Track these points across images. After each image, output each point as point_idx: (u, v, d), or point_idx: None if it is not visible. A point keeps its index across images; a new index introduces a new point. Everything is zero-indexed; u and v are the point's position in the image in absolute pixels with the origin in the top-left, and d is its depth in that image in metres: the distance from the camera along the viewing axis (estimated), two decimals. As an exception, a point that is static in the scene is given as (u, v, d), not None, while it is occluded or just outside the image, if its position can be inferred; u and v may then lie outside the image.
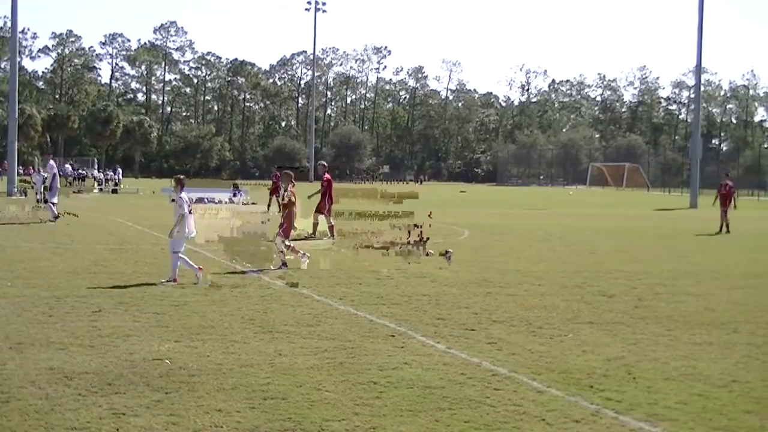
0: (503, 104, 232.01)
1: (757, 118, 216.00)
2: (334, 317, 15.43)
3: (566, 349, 13.34)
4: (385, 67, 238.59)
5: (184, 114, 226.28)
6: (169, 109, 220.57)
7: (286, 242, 22.73)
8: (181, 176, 21.02)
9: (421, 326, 14.80)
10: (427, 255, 26.05)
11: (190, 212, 19.96)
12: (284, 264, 22.49)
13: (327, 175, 33.46)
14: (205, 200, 59.30)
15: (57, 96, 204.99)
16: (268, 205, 48.41)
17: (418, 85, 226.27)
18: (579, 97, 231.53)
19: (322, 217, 32.29)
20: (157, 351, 12.41)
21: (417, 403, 10.16)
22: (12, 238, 29.56)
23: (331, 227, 32.07)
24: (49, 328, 13.94)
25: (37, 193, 56.25)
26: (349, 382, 11.04)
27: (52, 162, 40.70)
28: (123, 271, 20.53)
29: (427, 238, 28.28)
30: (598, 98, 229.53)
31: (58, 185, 39.74)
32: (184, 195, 19.86)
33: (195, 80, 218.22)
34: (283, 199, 24.04)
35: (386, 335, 13.97)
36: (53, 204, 37.60)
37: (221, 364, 11.68)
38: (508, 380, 11.25)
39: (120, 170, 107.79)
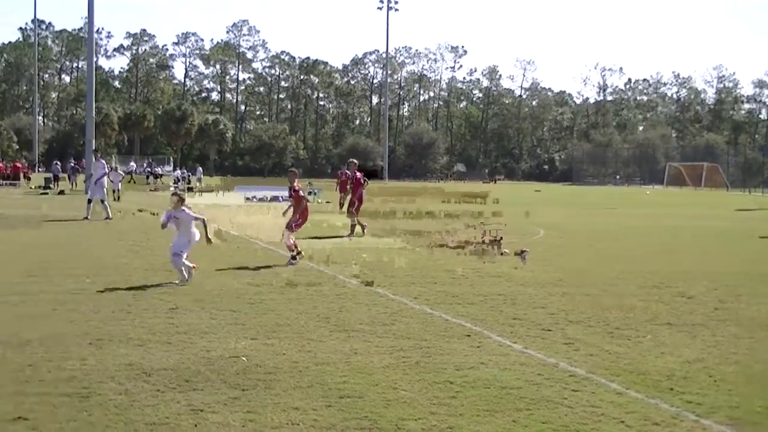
0: (577, 103, 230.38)
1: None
2: (410, 316, 15.40)
3: (645, 350, 13.17)
4: (461, 66, 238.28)
5: (257, 113, 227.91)
6: (243, 107, 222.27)
7: (292, 238, 23.06)
8: (182, 193, 21.62)
9: (497, 326, 14.71)
10: (502, 254, 25.91)
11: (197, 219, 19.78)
12: (293, 258, 22.84)
13: (357, 174, 33.64)
14: (280, 198, 59.52)
15: (132, 95, 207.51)
16: (341, 204, 46.52)
17: (491, 83, 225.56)
18: (655, 95, 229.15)
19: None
20: (234, 348, 12.47)
21: (494, 403, 10.10)
22: (90, 235, 29.95)
23: (353, 226, 32.17)
24: (127, 324, 14.08)
25: (114, 191, 57.14)
26: (425, 381, 11.00)
27: (102, 162, 40.46)
28: (199, 269, 20.65)
29: (501, 238, 28.16)
30: (675, 97, 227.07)
31: (105, 185, 39.55)
32: (186, 209, 19.35)
33: (268, 79, 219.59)
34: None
35: (462, 335, 13.90)
36: (101, 201, 37.51)
37: (297, 362, 11.70)
38: (586, 381, 11.14)
39: (201, 170, 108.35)
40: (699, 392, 10.74)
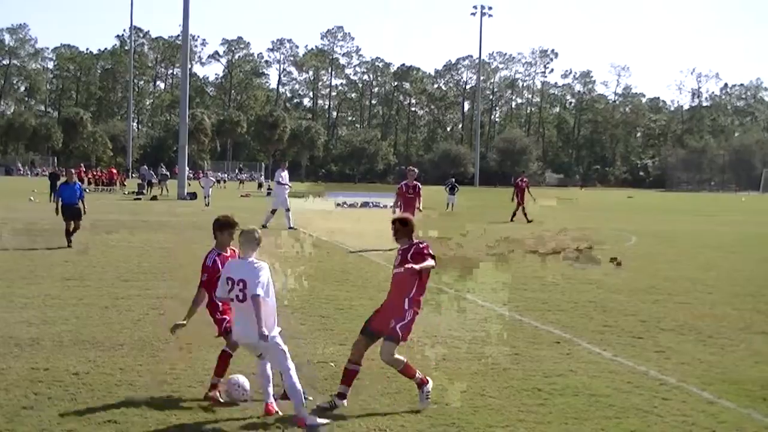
0: (671, 109, 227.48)
1: None
2: (499, 323, 15.33)
3: (738, 359, 12.96)
4: (552, 70, 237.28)
5: (349, 118, 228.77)
6: (335, 114, 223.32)
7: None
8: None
9: (587, 333, 14.59)
10: (594, 261, 25.68)
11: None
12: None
13: (417, 183, 30.41)
14: (370, 204, 59.79)
15: (226, 101, 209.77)
16: (513, 214, 45.91)
17: (584, 89, 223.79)
18: (753, 101, 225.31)
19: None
20: (322, 354, 12.52)
21: (583, 411, 10.02)
22: (181, 240, 30.30)
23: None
24: (214, 329, 14.19)
25: (206, 197, 57.83)
26: (513, 388, 10.96)
27: (285, 173, 39.53)
28: (289, 274, 20.76)
29: (590, 246, 27.93)
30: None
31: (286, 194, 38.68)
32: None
33: (360, 85, 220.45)
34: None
35: (551, 342, 13.81)
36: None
37: (385, 368, 11.69)
38: (677, 390, 11.00)
39: (286, 174, 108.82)
40: (794, 403, 10.55)
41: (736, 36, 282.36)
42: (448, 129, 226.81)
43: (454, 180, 64.76)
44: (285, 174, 37.79)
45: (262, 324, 9.20)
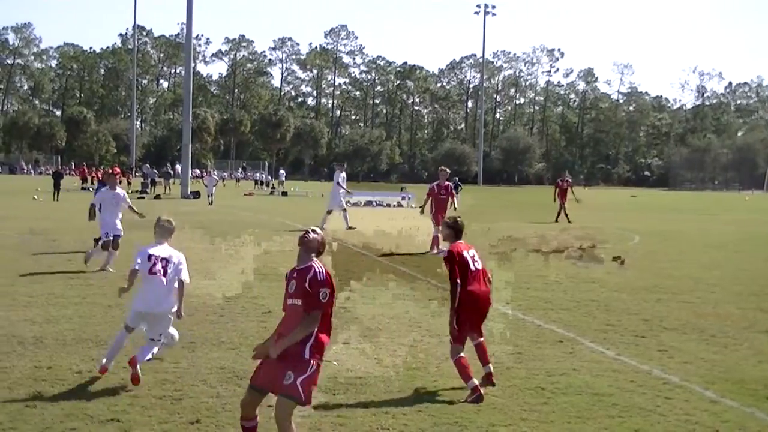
0: (675, 107, 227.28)
1: None
2: (502, 321, 15.33)
3: (741, 358, 12.97)
4: (557, 69, 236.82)
5: (353, 117, 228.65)
6: (338, 112, 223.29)
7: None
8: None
9: (590, 332, 14.60)
10: (597, 260, 25.68)
11: None
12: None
13: (449, 183, 29.56)
14: (374, 203, 59.83)
15: (230, 100, 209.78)
16: (558, 214, 45.37)
17: (588, 88, 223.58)
18: (757, 99, 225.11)
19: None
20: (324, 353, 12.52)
21: (585, 410, 10.04)
22: (185, 240, 30.23)
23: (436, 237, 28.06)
24: (220, 328, 14.24)
25: (209, 195, 57.89)
26: (516, 387, 10.97)
27: (343, 174, 39.23)
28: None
29: (594, 245, 27.90)
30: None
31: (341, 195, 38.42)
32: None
33: (364, 84, 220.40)
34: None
35: (554, 341, 13.82)
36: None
37: (388, 367, 11.73)
38: (680, 389, 11.01)
39: (283, 173, 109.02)
40: (797, 402, 10.55)
41: (739, 34, 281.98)
42: (452, 128, 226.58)
43: (457, 179, 64.87)
44: (343, 175, 37.46)
45: (182, 305, 11.22)
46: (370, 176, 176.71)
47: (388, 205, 59.24)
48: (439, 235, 27.43)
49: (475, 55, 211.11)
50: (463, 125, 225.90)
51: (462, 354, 10.85)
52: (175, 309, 11.13)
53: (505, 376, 11.48)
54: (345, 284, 19.52)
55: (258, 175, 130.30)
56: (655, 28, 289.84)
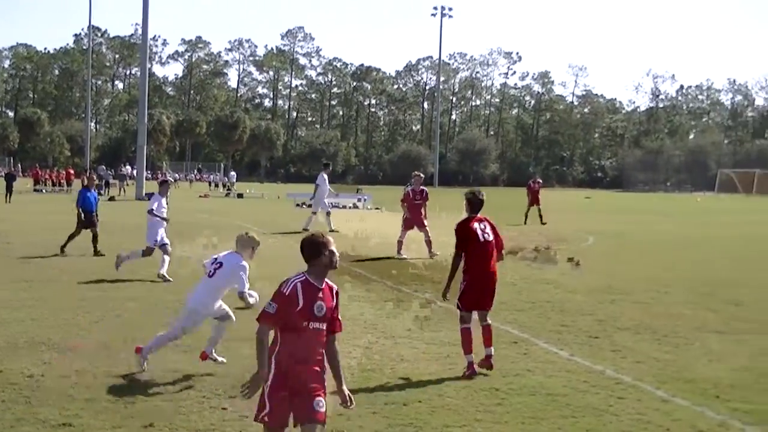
0: (629, 110, 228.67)
1: None
2: (456, 323, 15.37)
3: (692, 358, 13.11)
4: (514, 72, 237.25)
5: (309, 119, 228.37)
6: (294, 114, 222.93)
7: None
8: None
9: (544, 333, 14.68)
10: (552, 262, 25.81)
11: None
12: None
13: (424, 188, 28.97)
14: (330, 205, 59.69)
15: (185, 101, 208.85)
16: (526, 217, 44.23)
17: (543, 90, 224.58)
18: (708, 102, 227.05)
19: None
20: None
21: (539, 410, 10.10)
22: (140, 243, 29.99)
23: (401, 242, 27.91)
24: (175, 330, 14.17)
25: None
26: (470, 388, 11.02)
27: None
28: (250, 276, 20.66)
29: (548, 246, 28.03)
30: (728, 103, 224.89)
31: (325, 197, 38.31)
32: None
33: (321, 86, 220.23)
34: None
35: (509, 342, 13.88)
36: None
37: (344, 367, 11.72)
38: (633, 389, 11.11)
39: (234, 174, 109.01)
40: (746, 400, 10.69)
41: (690, 36, 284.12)
42: (408, 130, 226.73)
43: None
44: (324, 176, 37.49)
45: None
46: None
47: (344, 207, 59.10)
48: (404, 240, 27.59)
49: (431, 57, 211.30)
50: (419, 126, 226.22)
51: (468, 325, 11.83)
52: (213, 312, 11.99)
53: (460, 377, 11.53)
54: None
55: (213, 176, 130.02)
56: (609, 31, 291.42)
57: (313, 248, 7.24)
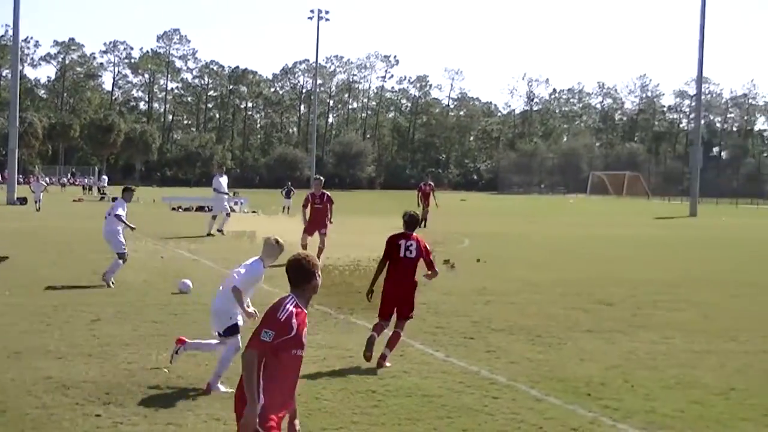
0: (504, 113, 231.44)
1: (757, 127, 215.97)
2: (333, 326, 15.45)
3: (565, 357, 13.37)
4: (392, 75, 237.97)
5: (185, 122, 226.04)
6: (170, 117, 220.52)
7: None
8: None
9: (420, 335, 14.78)
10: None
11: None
12: None
13: (325, 192, 28.34)
14: (206, 208, 59.29)
15: (59, 104, 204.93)
16: (424, 219, 42.26)
17: (420, 93, 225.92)
18: (580, 105, 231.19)
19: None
20: (156, 360, 12.41)
21: (415, 411, 10.19)
22: (10, 247, 29.40)
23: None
24: (47, 336, 13.94)
25: (36, 201, 56.58)
26: (347, 390, 11.06)
27: (223, 176, 38.78)
28: (122, 279, 20.47)
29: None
30: (599, 106, 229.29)
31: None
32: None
33: (197, 89, 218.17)
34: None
35: (385, 344, 13.94)
36: None
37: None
38: (507, 388, 11.28)
39: (106, 178, 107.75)
40: (616, 397, 10.96)
41: (565, 41, 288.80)
42: (285, 133, 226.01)
43: (290, 184, 64.97)
44: (223, 180, 37.29)
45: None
46: (203, 181, 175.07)
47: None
48: (307, 243, 27.11)
49: (308, 60, 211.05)
50: (296, 130, 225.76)
51: (373, 333, 12.67)
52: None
53: (336, 380, 11.58)
54: (175, 290, 19.32)
55: (87, 180, 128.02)
56: (484, 35, 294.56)
57: (305, 273, 7.10)
